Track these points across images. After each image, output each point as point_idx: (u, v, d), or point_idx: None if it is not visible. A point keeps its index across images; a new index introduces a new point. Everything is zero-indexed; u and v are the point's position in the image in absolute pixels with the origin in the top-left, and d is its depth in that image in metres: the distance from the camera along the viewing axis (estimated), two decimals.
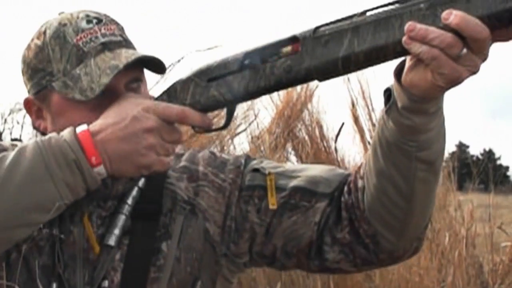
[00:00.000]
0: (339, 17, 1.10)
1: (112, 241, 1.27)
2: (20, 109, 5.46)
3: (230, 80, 1.16)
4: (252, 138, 3.97)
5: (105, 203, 1.30)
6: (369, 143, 4.23)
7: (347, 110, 4.31)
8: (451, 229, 3.63)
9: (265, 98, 4.27)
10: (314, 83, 4.30)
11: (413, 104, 1.09)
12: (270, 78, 1.13)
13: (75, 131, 1.15)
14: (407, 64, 1.08)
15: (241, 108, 3.87)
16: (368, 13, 1.07)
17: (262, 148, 3.85)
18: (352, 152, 4.42)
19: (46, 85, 1.25)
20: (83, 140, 1.14)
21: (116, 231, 1.27)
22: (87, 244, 1.27)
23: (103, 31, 1.26)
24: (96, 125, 1.16)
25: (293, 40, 1.12)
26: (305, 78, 1.12)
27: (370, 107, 4.26)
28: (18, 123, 5.41)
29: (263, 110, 4.20)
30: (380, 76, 4.30)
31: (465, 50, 1.00)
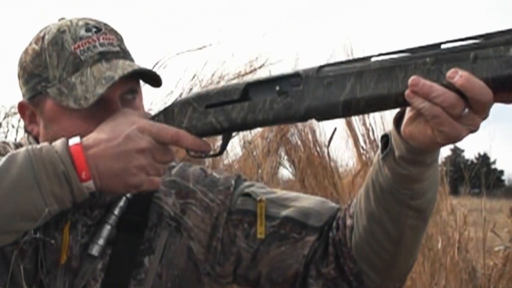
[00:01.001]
0: (344, 59, 1.10)
1: (95, 251, 1.26)
2: (15, 113, 5.45)
3: (229, 109, 1.15)
4: (244, 143, 3.97)
5: (91, 212, 1.29)
6: (362, 148, 4.24)
7: None
8: (444, 234, 3.63)
9: None
10: None
11: (410, 155, 1.09)
12: (269, 112, 1.12)
13: (67, 143, 1.14)
14: (407, 115, 1.07)
15: None
16: (373, 59, 1.06)
17: (254, 153, 3.85)
18: (345, 157, 4.42)
19: (41, 90, 1.25)
20: (75, 154, 1.13)
21: (101, 242, 1.27)
22: (70, 252, 1.27)
23: (101, 40, 1.25)
24: (90, 139, 1.15)
25: (296, 76, 1.11)
26: (304, 116, 1.11)
27: None
28: (13, 127, 5.38)
29: None
30: None
31: (466, 110, 1.00)
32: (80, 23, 1.27)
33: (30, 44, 1.29)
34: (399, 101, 1.03)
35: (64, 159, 1.12)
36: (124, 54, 1.27)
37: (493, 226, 3.77)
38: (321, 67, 1.10)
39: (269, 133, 4.11)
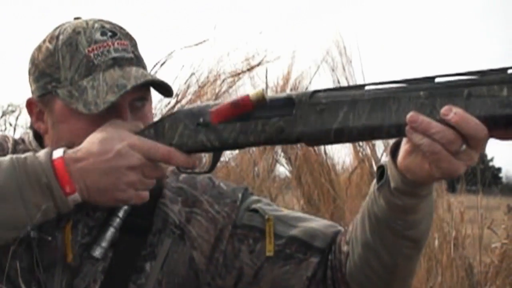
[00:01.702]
0: (338, 86, 1.10)
1: (98, 253, 1.26)
2: (12, 111, 5.45)
3: (220, 129, 1.15)
4: None
5: (94, 213, 1.28)
6: (359, 145, 4.23)
7: None
8: (440, 231, 3.63)
9: None
10: (304, 83, 4.31)
11: (406, 187, 1.10)
12: (260, 135, 1.12)
13: (51, 155, 1.14)
14: (404, 147, 1.08)
15: None
16: (367, 87, 1.07)
17: (250, 150, 3.84)
18: (342, 154, 4.41)
19: (51, 90, 1.25)
20: (58, 168, 1.13)
21: (104, 244, 1.26)
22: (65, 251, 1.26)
23: (116, 45, 1.24)
24: (79, 151, 1.15)
25: (288, 100, 1.11)
26: (295, 141, 1.12)
27: None
28: (10, 125, 5.39)
29: None
30: (370, 78, 4.30)
31: (464, 146, 1.01)
32: (96, 25, 1.26)
33: (44, 41, 1.28)
34: (392, 133, 1.05)
35: (47, 171, 1.13)
36: (137, 61, 1.27)
37: (490, 223, 3.76)
38: (315, 92, 1.10)
39: None
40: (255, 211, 1.34)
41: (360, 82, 4.30)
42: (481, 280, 3.57)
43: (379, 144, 4.27)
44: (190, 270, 1.32)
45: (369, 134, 1.06)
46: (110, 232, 1.26)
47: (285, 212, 1.37)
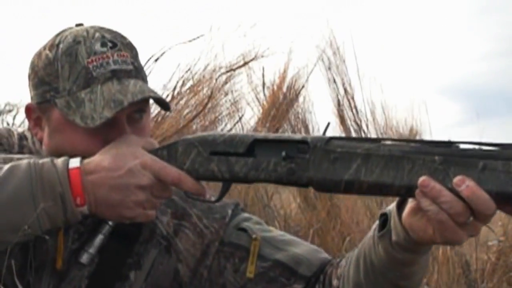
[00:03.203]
0: (355, 137, 1.09)
1: (85, 260, 1.26)
2: (10, 110, 5.43)
3: (233, 162, 1.15)
4: None
5: (85, 219, 1.26)
6: None
7: (333, 109, 4.32)
8: None
9: (250, 98, 4.27)
10: (300, 81, 4.31)
11: (407, 244, 1.10)
12: (271, 174, 1.12)
13: (68, 165, 1.14)
14: (411, 204, 1.07)
15: (225, 107, 3.86)
16: (384, 142, 1.07)
17: None
18: None
19: (49, 99, 1.25)
20: (73, 178, 1.13)
21: (92, 250, 1.26)
22: (55, 256, 1.26)
23: (115, 57, 1.24)
24: (91, 163, 1.15)
25: (303, 143, 1.11)
26: (305, 185, 1.11)
27: (355, 107, 4.26)
28: (8, 124, 5.38)
29: (248, 109, 4.20)
30: (365, 76, 4.30)
31: (471, 218, 1.01)
32: (97, 35, 1.25)
33: (45, 48, 1.28)
34: (401, 193, 1.04)
35: (62, 181, 1.12)
36: (137, 73, 1.26)
37: None
38: (331, 138, 1.10)
39: (262, 128, 4.10)
40: (244, 230, 1.34)
41: (355, 81, 4.31)
42: (477, 278, 3.56)
43: None
44: (174, 282, 1.33)
45: (378, 190, 1.05)
46: (99, 239, 1.27)
47: (274, 233, 1.37)
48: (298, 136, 1.14)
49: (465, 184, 0.98)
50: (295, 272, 1.30)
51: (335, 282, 1.26)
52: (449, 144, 1.03)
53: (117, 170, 1.13)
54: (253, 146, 1.14)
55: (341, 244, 3.33)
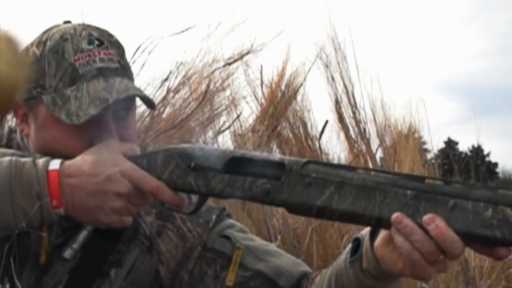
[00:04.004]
0: (331, 163, 1.10)
1: (68, 255, 1.27)
2: None
3: (210, 177, 1.16)
4: (235, 136, 3.95)
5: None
6: (354, 140, 4.23)
7: (331, 107, 4.31)
8: None
9: (248, 96, 4.27)
10: (298, 79, 4.30)
11: (376, 273, 1.10)
12: (246, 192, 1.13)
13: (48, 166, 1.15)
14: (383, 234, 1.07)
15: (223, 104, 3.85)
16: (359, 171, 1.07)
17: (245, 146, 3.83)
18: (337, 149, 4.41)
19: (36, 96, 1.26)
20: (51, 180, 1.14)
21: (75, 246, 1.27)
22: (39, 251, 1.27)
23: (101, 55, 1.25)
24: (72, 167, 1.16)
25: (280, 165, 1.11)
26: (279, 205, 1.13)
27: (354, 105, 4.25)
28: (6, 121, 5.39)
29: (246, 107, 4.20)
30: (364, 74, 4.30)
31: (441, 256, 1.01)
32: (84, 33, 1.27)
33: (32, 45, 1.29)
34: (371, 223, 1.05)
35: (41, 181, 1.13)
36: (123, 71, 1.28)
37: None
38: (307, 163, 1.10)
39: (261, 126, 4.10)
40: (228, 238, 1.34)
41: (354, 79, 4.30)
42: (476, 275, 3.57)
43: (374, 140, 4.28)
44: (154, 282, 1.34)
45: (349, 219, 1.06)
46: (83, 234, 1.27)
47: (257, 243, 1.37)
48: (276, 157, 1.15)
49: (434, 223, 0.99)
50: (275, 283, 1.30)
51: None
52: (422, 178, 1.04)
53: (96, 176, 1.14)
54: (230, 163, 1.15)
55: (339, 241, 3.33)
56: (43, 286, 1.26)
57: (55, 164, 1.15)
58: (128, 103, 1.28)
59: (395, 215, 1.01)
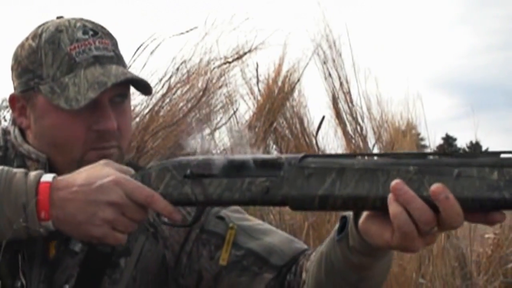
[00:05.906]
0: (329, 154, 1.08)
1: (77, 247, 1.27)
2: (7, 107, 5.44)
3: (207, 184, 1.13)
4: (232, 132, 3.95)
5: None
6: (351, 136, 4.23)
7: (328, 103, 4.31)
8: None
9: (245, 92, 4.26)
10: (295, 75, 4.30)
11: (363, 249, 1.08)
12: (245, 193, 1.11)
13: (39, 179, 1.13)
14: (368, 212, 1.06)
15: (220, 101, 3.85)
16: (358, 157, 1.06)
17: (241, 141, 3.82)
18: (334, 145, 4.41)
19: (33, 86, 1.27)
20: (41, 192, 1.12)
21: None
22: (47, 245, 1.27)
23: (97, 44, 1.28)
24: (64, 180, 1.14)
25: (277, 163, 1.09)
26: (280, 203, 1.10)
27: (351, 101, 4.26)
28: (5, 120, 5.39)
29: (243, 104, 4.19)
30: (361, 70, 4.30)
31: (435, 228, 0.99)
32: (78, 24, 1.29)
33: (27, 39, 1.31)
34: (377, 205, 1.02)
35: (29, 193, 1.12)
36: (118, 60, 1.30)
37: None
38: (305, 156, 1.08)
39: (257, 122, 4.10)
40: (222, 218, 1.35)
41: (350, 75, 4.30)
42: (473, 270, 3.57)
43: (371, 136, 4.28)
44: (162, 267, 1.35)
45: (353, 204, 1.04)
46: None
47: (251, 222, 1.37)
48: (272, 155, 1.13)
49: (445, 194, 0.96)
50: (266, 261, 1.31)
51: (304, 274, 1.26)
52: (423, 155, 1.03)
53: (88, 185, 1.12)
54: (227, 168, 1.13)
55: None
56: (55, 281, 1.26)
57: (48, 177, 1.14)
58: (124, 89, 1.30)
59: (395, 182, 0.98)
